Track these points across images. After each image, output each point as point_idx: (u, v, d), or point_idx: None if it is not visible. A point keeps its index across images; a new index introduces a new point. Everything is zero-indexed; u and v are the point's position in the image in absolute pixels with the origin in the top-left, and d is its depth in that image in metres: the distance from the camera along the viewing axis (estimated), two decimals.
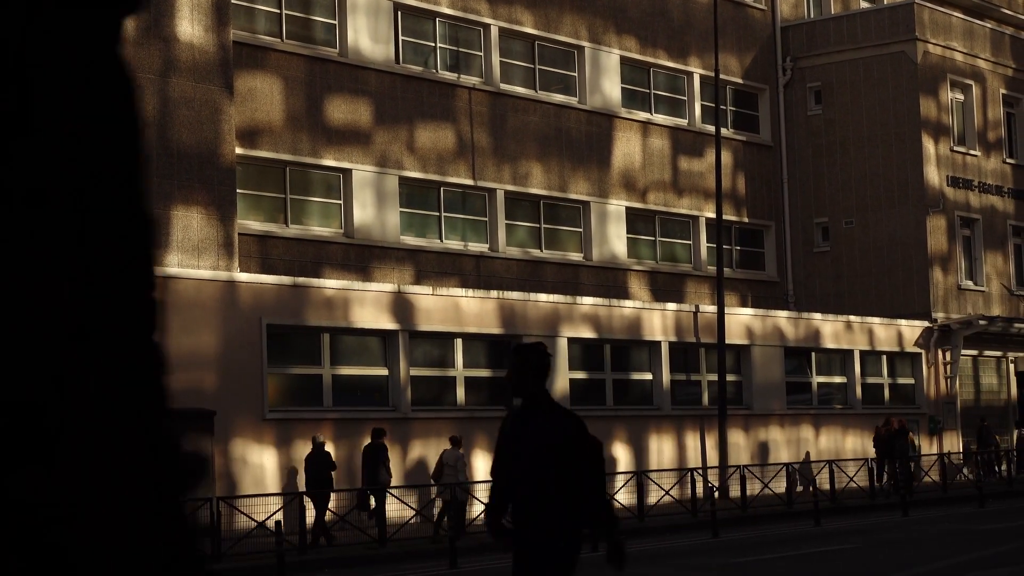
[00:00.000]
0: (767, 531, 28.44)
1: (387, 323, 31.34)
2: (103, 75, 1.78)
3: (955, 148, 46.73)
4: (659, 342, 37.01)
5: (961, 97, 47.67)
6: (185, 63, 29.98)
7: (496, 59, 38.91)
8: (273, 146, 33.72)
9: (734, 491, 35.02)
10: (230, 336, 28.42)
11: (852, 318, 42.63)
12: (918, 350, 44.22)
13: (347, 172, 35.14)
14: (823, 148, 46.88)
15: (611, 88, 41.75)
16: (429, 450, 31.32)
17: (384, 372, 31.66)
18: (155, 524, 1.73)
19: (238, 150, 32.29)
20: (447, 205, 37.64)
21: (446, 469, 28.50)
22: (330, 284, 30.86)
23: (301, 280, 30.55)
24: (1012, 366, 48.26)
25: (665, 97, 43.76)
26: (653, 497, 32.55)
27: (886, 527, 28.09)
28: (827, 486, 35.44)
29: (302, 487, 27.90)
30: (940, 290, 45.54)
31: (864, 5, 49.62)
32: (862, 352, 42.67)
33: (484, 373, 33.27)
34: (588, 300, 35.76)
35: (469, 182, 37.81)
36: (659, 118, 43.19)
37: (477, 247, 38.07)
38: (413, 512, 28.38)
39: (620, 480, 32.77)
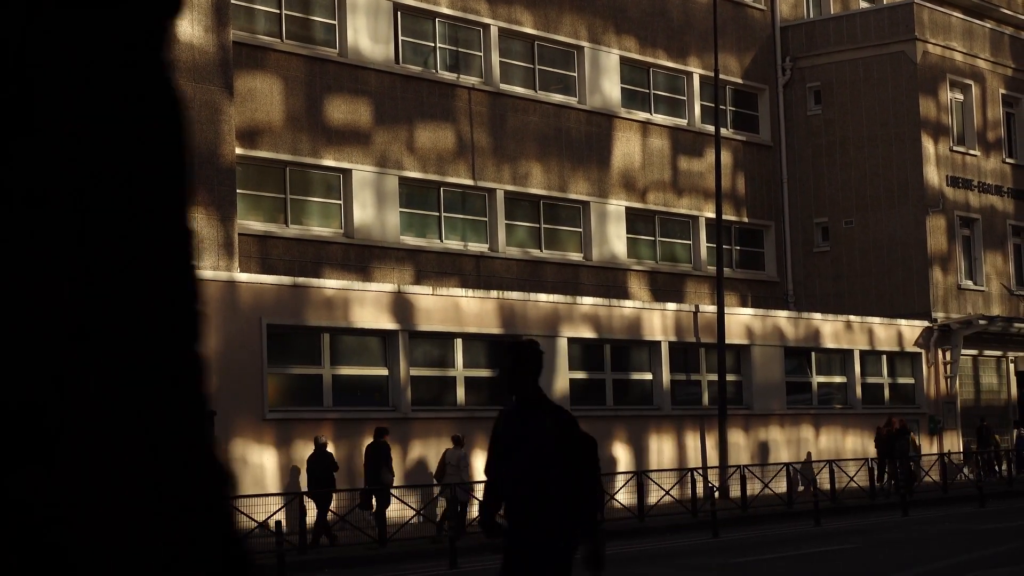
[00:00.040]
0: (767, 531, 28.44)
1: (387, 323, 31.34)
2: (146, 83, 1.79)
3: (955, 148, 46.74)
4: (659, 342, 37.01)
5: (961, 97, 47.67)
6: (185, 63, 29.98)
7: (496, 59, 38.92)
8: (273, 146, 33.72)
9: (734, 491, 35.02)
10: (230, 336, 28.42)
11: (852, 318, 42.63)
12: (918, 350, 44.22)
13: (347, 172, 35.15)
14: (823, 148, 46.88)
15: (611, 88, 41.75)
16: (429, 450, 31.32)
17: (384, 372, 31.66)
18: (187, 530, 1.73)
19: (238, 150, 32.30)
20: (447, 205, 37.64)
21: (448, 468, 28.50)
22: (330, 284, 30.86)
23: (301, 280, 30.55)
24: (1012, 366, 48.27)
25: (665, 97, 43.76)
26: (653, 497, 32.55)
27: (886, 527, 28.09)
28: (827, 486, 35.43)
29: (304, 487, 27.92)
30: (940, 290, 45.54)
31: (864, 5, 49.62)
32: (862, 352, 42.67)
33: (484, 373, 33.27)
34: (588, 300, 35.75)
35: (469, 182, 37.81)
36: (659, 118, 43.20)
37: (477, 247, 38.07)
38: (413, 512, 28.38)
39: (620, 480, 32.76)
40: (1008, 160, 49.08)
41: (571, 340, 34.84)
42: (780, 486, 35.66)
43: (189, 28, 30.30)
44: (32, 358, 1.66)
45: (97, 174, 1.74)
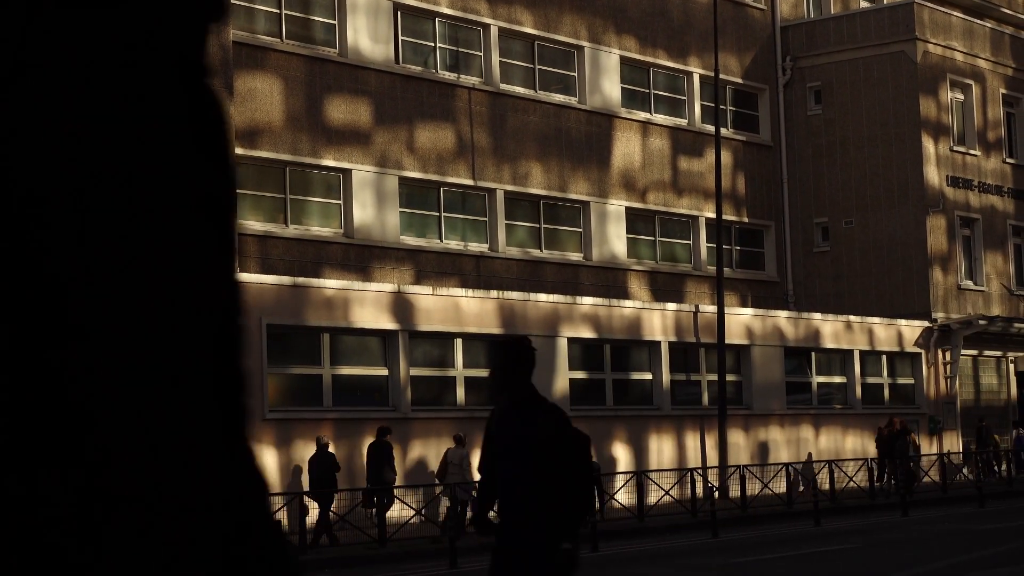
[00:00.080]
0: (767, 531, 28.44)
1: (387, 323, 31.35)
2: (190, 88, 1.80)
3: (955, 148, 46.74)
4: (659, 342, 37.02)
5: (961, 97, 47.68)
6: None
7: (496, 59, 38.92)
8: (273, 146, 33.73)
9: (734, 491, 35.02)
10: None
11: (852, 318, 42.64)
12: (918, 350, 44.22)
13: (347, 172, 35.15)
14: (823, 148, 46.88)
15: (611, 88, 41.76)
16: (429, 450, 31.33)
17: (384, 372, 31.67)
18: (231, 537, 1.74)
19: (238, 150, 32.31)
20: (447, 205, 37.65)
21: (450, 468, 28.51)
22: (330, 284, 30.86)
23: (301, 280, 30.55)
24: (1012, 366, 48.27)
25: (665, 97, 43.77)
26: (653, 497, 32.55)
27: (886, 527, 28.10)
28: (827, 486, 35.44)
29: (305, 487, 27.93)
30: (940, 290, 45.54)
31: (864, 5, 49.62)
32: (862, 352, 42.67)
33: (484, 373, 33.26)
34: (588, 300, 35.76)
35: (469, 182, 37.82)
36: (659, 118, 43.20)
37: (477, 247, 38.08)
38: (413, 512, 28.39)
39: (620, 480, 32.77)
40: (1008, 160, 49.08)
41: (571, 340, 34.84)
42: (780, 486, 35.66)
43: None
44: (71, 359, 1.67)
45: (190, 197, 1.76)
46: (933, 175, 45.75)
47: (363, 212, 35.36)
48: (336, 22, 35.54)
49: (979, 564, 19.44)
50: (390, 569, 23.49)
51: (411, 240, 36.55)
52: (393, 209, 36.07)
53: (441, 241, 37.31)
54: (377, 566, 24.09)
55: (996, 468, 43.37)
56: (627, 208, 41.73)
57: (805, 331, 41.02)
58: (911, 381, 44.46)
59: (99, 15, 1.72)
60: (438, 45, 37.82)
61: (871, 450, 40.41)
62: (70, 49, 1.72)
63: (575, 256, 40.48)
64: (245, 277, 29.71)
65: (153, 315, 1.69)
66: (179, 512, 1.68)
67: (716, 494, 31.04)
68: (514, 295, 34.24)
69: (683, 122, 43.89)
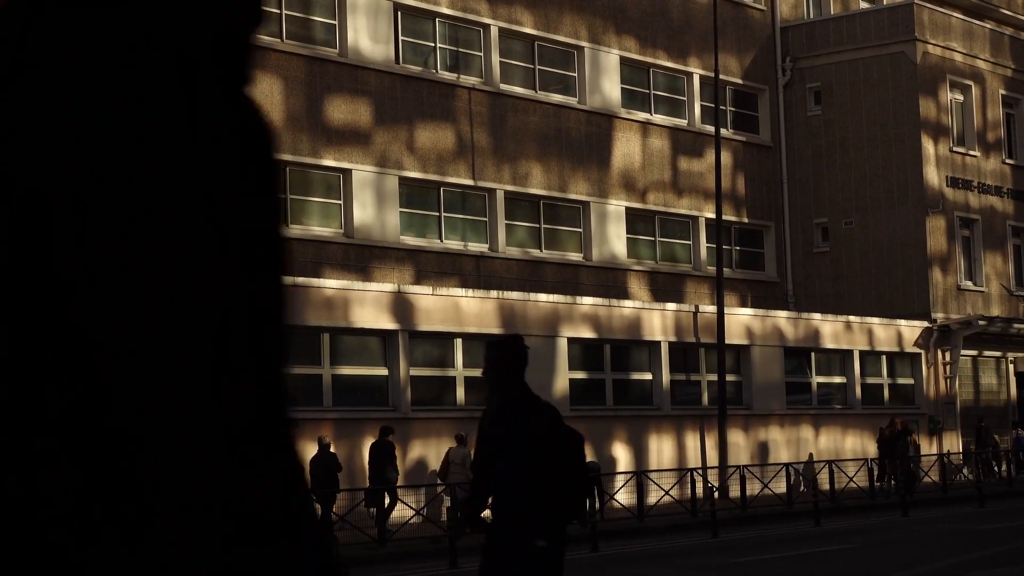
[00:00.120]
0: (767, 531, 28.44)
1: (387, 323, 31.34)
2: (230, 97, 1.82)
3: (954, 148, 46.74)
4: (659, 342, 37.01)
5: (960, 98, 47.68)
6: None
7: (496, 59, 38.92)
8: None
9: (734, 491, 35.01)
10: None
11: (852, 318, 42.64)
12: (918, 350, 44.22)
13: (347, 172, 35.16)
14: (823, 148, 46.88)
15: (611, 88, 41.76)
16: (429, 450, 31.32)
17: (384, 372, 31.67)
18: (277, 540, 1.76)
19: None
20: (447, 205, 37.65)
21: (452, 467, 28.51)
22: (330, 284, 30.86)
23: (301, 280, 30.54)
24: (1012, 366, 48.27)
25: (665, 97, 43.77)
26: (653, 497, 32.54)
27: (886, 527, 28.09)
28: (827, 486, 35.43)
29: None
30: (940, 290, 45.54)
31: (864, 5, 49.62)
32: (862, 352, 42.67)
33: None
34: (588, 300, 35.76)
35: (469, 182, 37.82)
36: (659, 118, 43.20)
37: (477, 247, 38.08)
38: (413, 512, 28.38)
39: (620, 480, 32.77)
40: (1008, 161, 49.08)
41: (571, 340, 34.84)
42: (780, 486, 35.65)
43: None
44: (130, 362, 1.68)
45: (242, 211, 1.78)
46: (933, 176, 45.75)
47: (363, 212, 35.36)
48: (336, 22, 35.54)
49: (979, 564, 19.44)
50: (390, 569, 23.48)
51: (411, 240, 36.55)
52: (393, 209, 36.07)
53: (441, 241, 37.31)
54: (377, 566, 24.07)
55: (996, 468, 43.36)
56: (627, 208, 41.73)
57: (805, 331, 41.02)
58: (911, 381, 44.46)
59: (136, 24, 1.73)
60: (438, 45, 37.82)
61: (871, 450, 40.41)
62: (112, 58, 1.73)
63: (575, 256, 40.48)
64: None
65: (181, 315, 1.70)
66: (201, 511, 1.69)
67: (716, 494, 31.03)
68: (514, 295, 34.24)
69: (683, 122, 43.89)
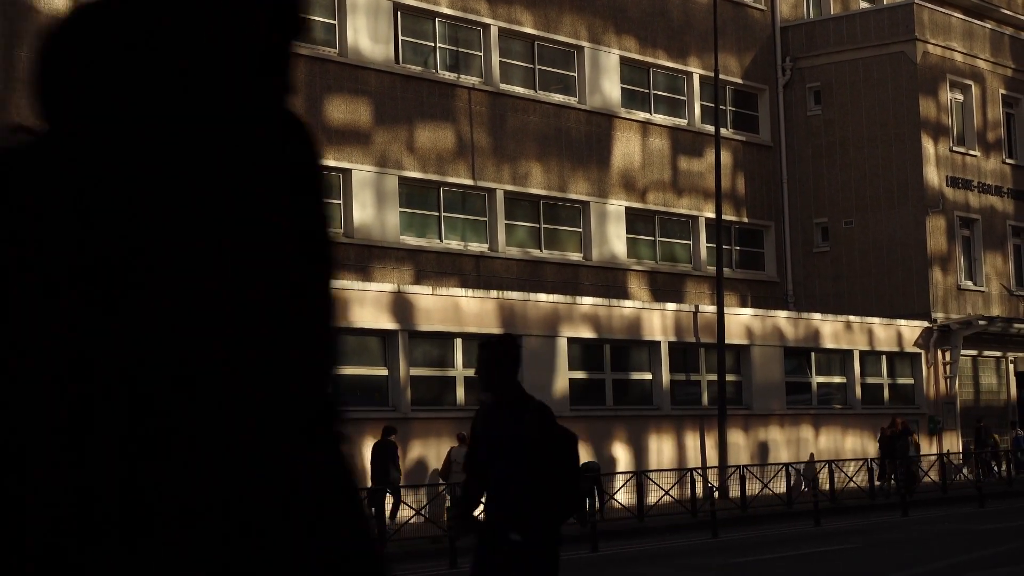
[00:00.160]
0: (767, 531, 28.44)
1: (387, 323, 31.34)
2: (273, 107, 1.85)
3: (954, 148, 46.74)
4: (659, 342, 37.02)
5: (960, 97, 47.68)
6: None
7: (496, 59, 38.92)
8: None
9: (734, 491, 35.01)
10: None
11: (852, 318, 42.63)
12: (918, 350, 44.23)
13: (347, 172, 35.15)
14: (823, 148, 46.88)
15: (611, 88, 41.76)
16: (429, 450, 31.33)
17: (384, 372, 31.67)
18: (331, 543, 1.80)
19: None
20: (447, 205, 37.65)
21: (454, 466, 28.52)
22: None
23: None
24: (1012, 366, 48.27)
25: (665, 97, 43.77)
26: (653, 497, 32.54)
27: (886, 527, 28.10)
28: (827, 486, 35.43)
29: None
30: (940, 290, 45.55)
31: (864, 5, 49.63)
32: (862, 352, 42.67)
33: None
34: (588, 300, 35.76)
35: (469, 182, 37.82)
36: (659, 118, 43.20)
37: (477, 247, 38.08)
38: (413, 512, 28.38)
39: (620, 480, 32.76)
40: (1008, 160, 49.09)
41: (571, 340, 34.84)
42: (780, 486, 35.65)
43: None
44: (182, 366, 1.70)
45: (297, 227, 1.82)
46: (933, 175, 45.75)
47: (363, 212, 35.36)
48: (336, 22, 35.54)
49: (979, 564, 19.45)
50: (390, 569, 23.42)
51: (411, 240, 36.55)
52: (393, 209, 36.07)
53: (441, 241, 37.31)
54: None
55: (996, 468, 43.35)
56: (627, 208, 41.73)
57: (805, 331, 41.02)
58: (911, 381, 44.46)
59: (184, 36, 1.76)
60: (438, 45, 37.82)
61: (871, 450, 40.41)
62: (162, 69, 1.76)
63: (575, 256, 40.48)
64: None
65: (231, 314, 1.72)
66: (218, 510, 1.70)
67: (716, 494, 31.04)
68: (514, 295, 34.24)
69: (683, 122, 43.89)
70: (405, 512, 28.28)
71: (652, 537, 27.65)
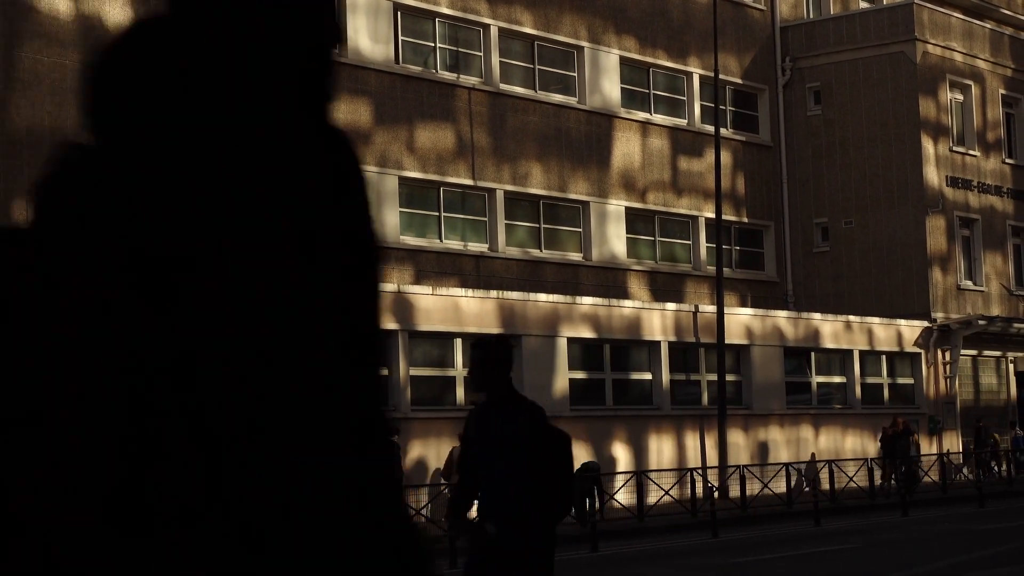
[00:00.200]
0: (767, 531, 28.44)
1: (387, 323, 31.34)
2: (315, 117, 1.89)
3: (954, 148, 46.74)
4: (659, 342, 37.01)
5: (960, 97, 47.68)
6: None
7: (496, 59, 38.92)
8: None
9: (734, 491, 35.01)
10: None
11: (852, 318, 42.64)
12: (918, 350, 44.23)
13: None
14: (822, 148, 46.88)
15: (611, 88, 41.76)
16: (428, 450, 31.33)
17: (384, 372, 31.60)
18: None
19: None
20: (447, 205, 37.65)
21: (456, 466, 28.49)
22: None
23: None
24: (1012, 366, 48.27)
25: (664, 97, 43.77)
26: (653, 497, 32.54)
27: (886, 527, 28.10)
28: (827, 486, 35.44)
29: None
30: (939, 290, 45.55)
31: (863, 5, 49.63)
32: (862, 352, 42.67)
33: None
34: (588, 300, 35.76)
35: (469, 182, 37.82)
36: (658, 118, 43.20)
37: (477, 247, 38.09)
38: (414, 512, 28.40)
39: (620, 480, 32.76)
40: (1008, 160, 49.09)
41: (571, 340, 34.84)
42: (780, 486, 35.65)
43: None
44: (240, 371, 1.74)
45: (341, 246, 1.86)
46: (933, 175, 45.75)
47: None
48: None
49: (979, 564, 19.45)
50: None
51: (411, 240, 36.54)
52: (393, 209, 36.07)
53: (441, 241, 37.31)
54: None
55: (996, 468, 43.34)
56: (627, 208, 41.73)
57: (805, 331, 41.02)
58: (911, 381, 44.46)
59: (228, 47, 1.79)
60: (438, 45, 37.82)
61: (871, 450, 40.41)
62: (210, 82, 1.79)
63: (575, 256, 40.48)
64: None
65: (282, 320, 1.76)
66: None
67: (716, 494, 31.04)
68: (514, 295, 34.24)
69: (683, 122, 43.89)
70: None
71: (652, 537, 27.65)
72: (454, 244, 37.58)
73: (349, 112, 35.23)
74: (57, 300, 1.70)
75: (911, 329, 44.02)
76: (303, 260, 1.80)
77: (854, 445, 41.44)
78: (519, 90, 39.44)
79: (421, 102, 36.85)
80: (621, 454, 35.43)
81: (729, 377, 38.10)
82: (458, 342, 32.77)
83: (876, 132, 46.04)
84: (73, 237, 1.72)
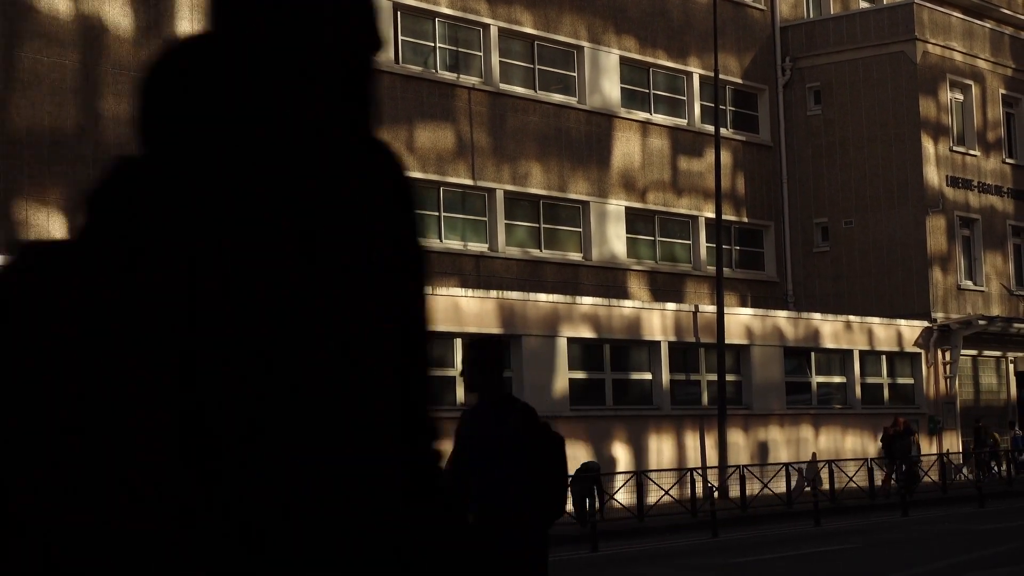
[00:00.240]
0: (767, 531, 28.44)
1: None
2: (357, 126, 1.92)
3: (954, 148, 46.74)
4: (659, 342, 37.01)
5: (960, 97, 47.68)
6: None
7: (496, 59, 38.92)
8: None
9: (734, 491, 35.01)
10: None
11: (852, 318, 42.64)
12: (918, 350, 44.23)
13: None
14: (822, 148, 46.88)
15: (610, 88, 41.76)
16: None
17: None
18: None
19: None
20: (447, 205, 37.65)
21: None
22: None
23: None
24: (1012, 366, 48.28)
25: (664, 97, 43.77)
26: (653, 497, 32.54)
27: (886, 527, 28.10)
28: (827, 486, 35.44)
29: None
30: (940, 290, 45.55)
31: (863, 5, 49.63)
32: (862, 352, 42.67)
33: None
34: (588, 300, 35.76)
35: (469, 182, 37.82)
36: (658, 118, 43.20)
37: (477, 247, 38.09)
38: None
39: (620, 480, 32.76)
40: (1008, 160, 49.09)
41: (571, 340, 34.84)
42: (780, 486, 35.66)
43: (189, 28, 30.30)
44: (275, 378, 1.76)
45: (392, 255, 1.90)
46: (933, 175, 45.75)
47: None
48: None
49: (979, 564, 19.45)
50: None
51: None
52: None
53: (441, 241, 37.31)
54: None
55: (996, 468, 43.34)
56: (627, 208, 41.73)
57: (805, 331, 41.02)
58: (911, 381, 44.47)
59: (274, 63, 1.82)
60: (438, 45, 37.82)
61: (871, 450, 40.40)
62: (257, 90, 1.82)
63: (575, 256, 40.48)
64: None
65: (337, 322, 1.79)
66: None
67: (716, 494, 31.04)
68: (514, 295, 34.25)
69: (683, 122, 43.89)
70: None
71: (652, 537, 27.65)
72: (454, 244, 37.58)
73: None
74: (100, 307, 1.72)
75: (911, 329, 44.03)
76: (356, 267, 1.84)
77: (854, 445, 41.45)
78: (519, 90, 39.44)
79: (421, 102, 36.85)
80: (621, 454, 35.43)
81: (729, 377, 38.10)
82: (458, 342, 32.76)
83: (876, 132, 46.04)
84: (123, 246, 1.75)
